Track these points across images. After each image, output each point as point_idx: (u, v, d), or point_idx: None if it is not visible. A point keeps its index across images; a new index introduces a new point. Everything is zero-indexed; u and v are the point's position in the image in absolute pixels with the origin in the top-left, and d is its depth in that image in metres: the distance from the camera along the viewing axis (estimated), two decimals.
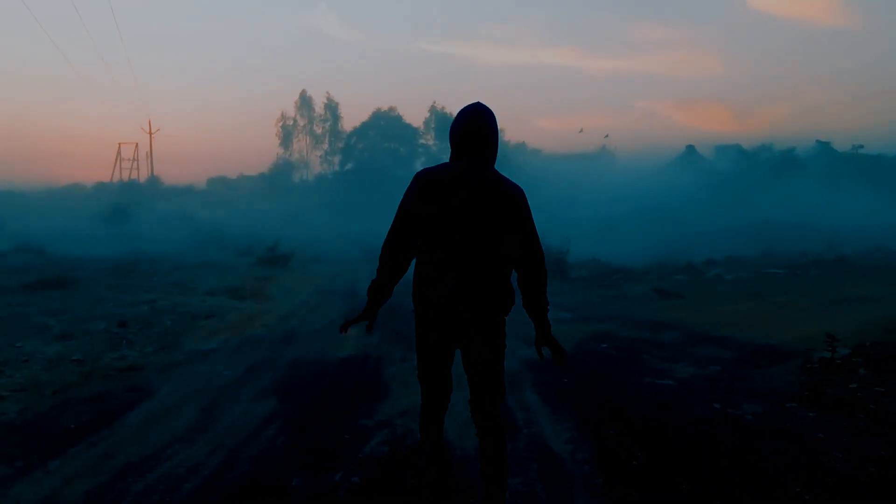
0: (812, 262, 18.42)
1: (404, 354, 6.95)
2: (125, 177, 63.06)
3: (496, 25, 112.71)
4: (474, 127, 2.78)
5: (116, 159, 63.73)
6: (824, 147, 53.21)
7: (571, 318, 9.94)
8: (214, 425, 4.71)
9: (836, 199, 39.75)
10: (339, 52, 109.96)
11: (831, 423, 4.50)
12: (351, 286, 14.67)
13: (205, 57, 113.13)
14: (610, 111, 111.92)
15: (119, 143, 64.14)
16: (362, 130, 67.77)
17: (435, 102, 71.05)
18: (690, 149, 59.48)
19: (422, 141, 68.55)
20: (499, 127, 2.88)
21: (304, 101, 70.95)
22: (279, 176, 67.13)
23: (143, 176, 62.60)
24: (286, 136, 70.78)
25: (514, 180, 2.87)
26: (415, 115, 76.11)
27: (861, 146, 53.40)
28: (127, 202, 44.51)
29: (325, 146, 71.35)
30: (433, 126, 67.50)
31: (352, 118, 79.08)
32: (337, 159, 69.73)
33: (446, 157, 3.06)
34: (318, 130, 71.22)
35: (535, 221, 2.84)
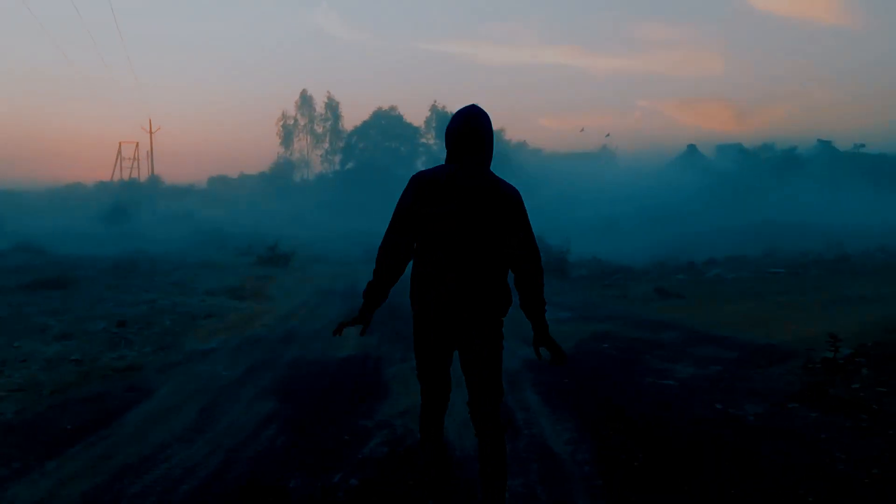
0: (813, 262, 18.41)
1: (404, 354, 6.93)
2: (126, 176, 63.26)
3: (497, 25, 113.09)
4: (469, 129, 2.79)
5: (117, 159, 63.97)
6: (825, 146, 53.25)
7: (572, 317, 9.93)
8: (214, 425, 4.69)
9: (838, 199, 39.79)
10: (339, 51, 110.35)
11: (833, 424, 4.48)
12: (351, 286, 14.64)
13: (205, 56, 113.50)
14: (611, 110, 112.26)
15: (119, 143, 64.44)
16: (363, 130, 67.87)
17: (436, 102, 71.31)
18: (691, 148, 59.55)
19: (422, 140, 68.66)
20: (499, 127, 2.88)
21: (305, 101, 71.09)
22: (280, 175, 67.24)
23: (144, 175, 62.76)
24: (287, 135, 70.91)
25: (515, 180, 2.87)
26: (415, 115, 76.58)
27: (862, 145, 53.55)
28: (127, 201, 44.62)
29: (326, 145, 71.55)
30: (434, 125, 67.51)
31: (352, 117, 79.36)
32: (337, 158, 69.91)
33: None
34: (319, 130, 71.39)
35: (534, 221, 2.86)
